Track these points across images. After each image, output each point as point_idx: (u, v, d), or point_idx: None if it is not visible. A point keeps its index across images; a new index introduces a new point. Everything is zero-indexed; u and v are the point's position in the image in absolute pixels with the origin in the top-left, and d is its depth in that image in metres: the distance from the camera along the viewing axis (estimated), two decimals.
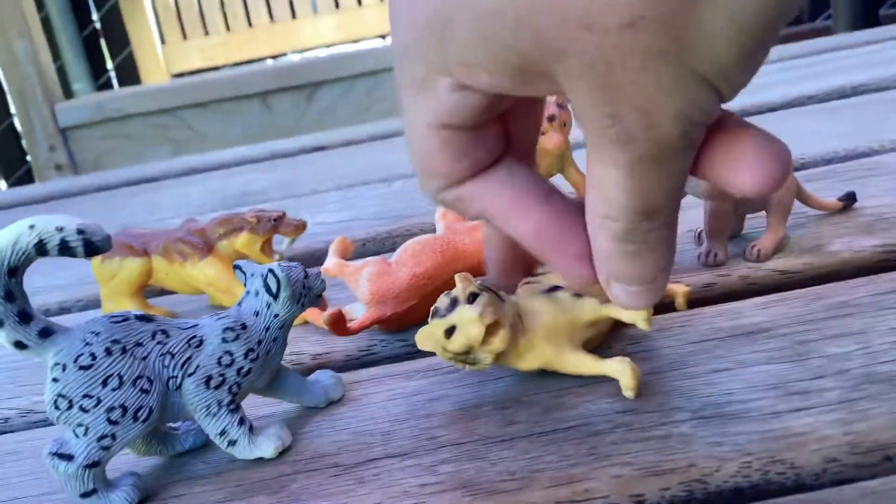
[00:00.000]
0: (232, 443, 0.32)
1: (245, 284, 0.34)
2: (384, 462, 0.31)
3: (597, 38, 0.20)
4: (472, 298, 0.31)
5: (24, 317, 0.30)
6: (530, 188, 0.27)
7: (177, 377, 0.31)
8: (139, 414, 0.30)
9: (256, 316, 0.33)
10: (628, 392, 0.32)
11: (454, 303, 0.32)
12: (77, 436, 0.30)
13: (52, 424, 0.38)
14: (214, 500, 0.31)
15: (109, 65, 2.17)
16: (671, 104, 0.21)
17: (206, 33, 2.05)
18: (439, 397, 0.35)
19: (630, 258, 0.26)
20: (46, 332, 0.30)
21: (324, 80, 1.52)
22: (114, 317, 0.31)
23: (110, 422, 0.30)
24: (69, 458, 0.30)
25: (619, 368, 0.32)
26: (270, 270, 0.33)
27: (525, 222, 0.26)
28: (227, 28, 2.05)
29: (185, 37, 2.04)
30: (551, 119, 0.49)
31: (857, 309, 0.36)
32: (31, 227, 0.29)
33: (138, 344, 0.31)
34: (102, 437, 0.30)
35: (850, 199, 0.48)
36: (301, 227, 0.49)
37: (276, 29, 2.07)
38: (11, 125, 1.88)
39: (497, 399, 0.34)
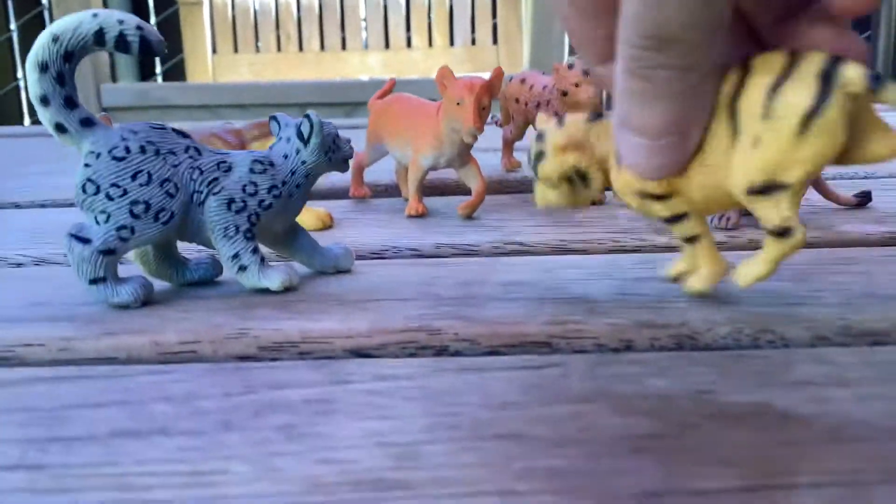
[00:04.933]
0: (242, 268, 0.33)
1: (278, 134, 0.36)
2: (388, 301, 0.32)
3: None
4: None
5: (70, 103, 0.31)
6: None
7: (202, 192, 0.32)
8: (161, 215, 0.31)
9: (285, 158, 0.34)
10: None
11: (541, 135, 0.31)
12: (98, 223, 0.31)
13: None
14: (217, 307, 0.31)
15: (158, 69, 2.24)
16: None
17: (258, 50, 2.11)
18: (443, 276, 0.36)
19: (635, 98, 0.25)
20: (88, 122, 0.31)
21: (363, 101, 1.56)
22: (153, 124, 0.32)
23: (132, 215, 0.31)
24: (87, 241, 0.31)
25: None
26: (306, 115, 0.34)
27: None
28: (279, 48, 2.11)
29: (236, 49, 2.10)
30: (586, 73, 0.50)
31: (860, 259, 0.37)
32: (95, 15, 0.31)
33: (172, 152, 0.32)
34: (122, 227, 0.31)
35: (865, 197, 0.49)
36: None
37: (325, 56, 2.13)
38: None
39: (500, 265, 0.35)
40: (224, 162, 0.33)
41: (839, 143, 0.25)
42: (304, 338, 0.28)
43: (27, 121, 2.07)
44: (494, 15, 2.13)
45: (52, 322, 0.30)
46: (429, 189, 0.57)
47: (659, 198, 0.28)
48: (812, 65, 0.25)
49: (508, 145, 0.62)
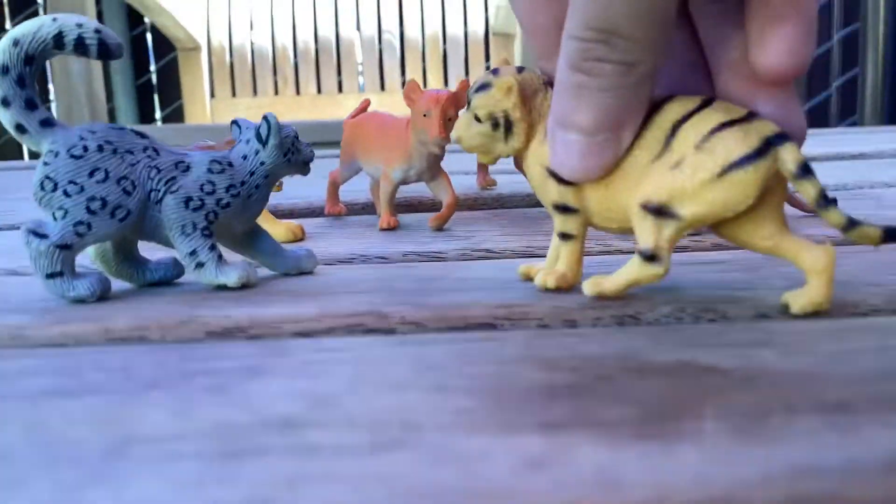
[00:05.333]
0: (200, 265, 0.33)
1: (239, 137, 0.36)
2: (343, 293, 0.32)
3: None
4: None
5: (31, 104, 0.32)
6: None
7: (159, 191, 0.33)
8: (117, 212, 0.32)
9: (244, 159, 0.35)
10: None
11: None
12: (55, 219, 0.32)
13: None
14: (171, 300, 0.32)
15: (158, 114, 2.27)
16: None
17: (255, 93, 2.14)
18: (403, 275, 0.36)
19: (574, 92, 0.25)
20: (47, 123, 0.32)
21: None
22: (112, 125, 0.33)
23: (89, 211, 0.32)
24: (44, 236, 0.31)
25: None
26: (264, 117, 0.35)
27: None
28: (276, 92, 2.15)
29: (234, 93, 2.13)
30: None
31: None
32: (54, 19, 0.32)
33: (129, 152, 0.33)
34: (79, 223, 0.32)
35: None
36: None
37: (322, 99, 2.16)
38: None
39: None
40: (182, 162, 0.34)
41: (744, 203, 0.26)
42: (252, 323, 0.28)
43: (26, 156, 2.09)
44: (487, 57, 2.17)
45: (6, 313, 0.30)
46: (403, 206, 0.58)
47: (561, 181, 0.29)
48: (765, 128, 0.26)
49: (483, 164, 0.63)
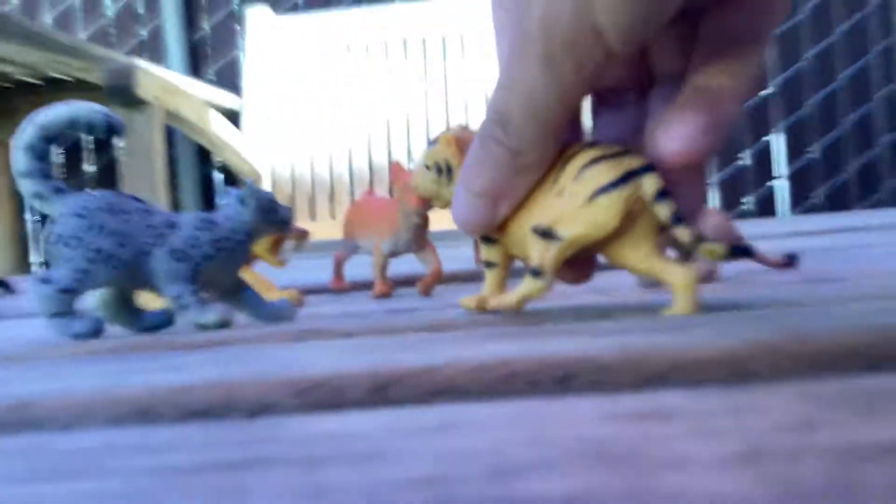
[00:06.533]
0: (183, 306, 0.38)
1: (225, 203, 0.42)
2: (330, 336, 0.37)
3: None
4: None
5: (47, 175, 0.38)
6: None
7: (150, 244, 0.39)
8: (111, 261, 0.38)
9: (228, 219, 0.41)
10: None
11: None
12: (60, 268, 0.37)
13: None
14: (144, 337, 0.37)
15: None
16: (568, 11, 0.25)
17: (314, 219, 2.27)
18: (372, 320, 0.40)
19: (475, 160, 0.30)
20: (59, 190, 0.38)
21: None
22: (113, 192, 0.39)
23: (88, 260, 0.37)
24: (49, 281, 0.37)
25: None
26: (244, 183, 0.41)
27: None
28: (332, 217, 2.27)
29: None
30: None
31: (749, 282, 0.40)
32: (68, 105, 0.38)
33: (125, 211, 0.39)
34: (79, 269, 0.37)
35: (792, 259, 0.51)
36: (304, 234, 0.57)
37: None
38: None
39: None
40: (173, 221, 0.39)
41: (611, 224, 0.30)
42: (220, 340, 0.33)
43: None
44: None
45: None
46: (403, 281, 0.62)
47: None
48: (631, 162, 0.30)
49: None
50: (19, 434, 0.19)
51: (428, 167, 0.37)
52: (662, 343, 0.22)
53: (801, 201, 2.04)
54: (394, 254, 0.54)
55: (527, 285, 0.32)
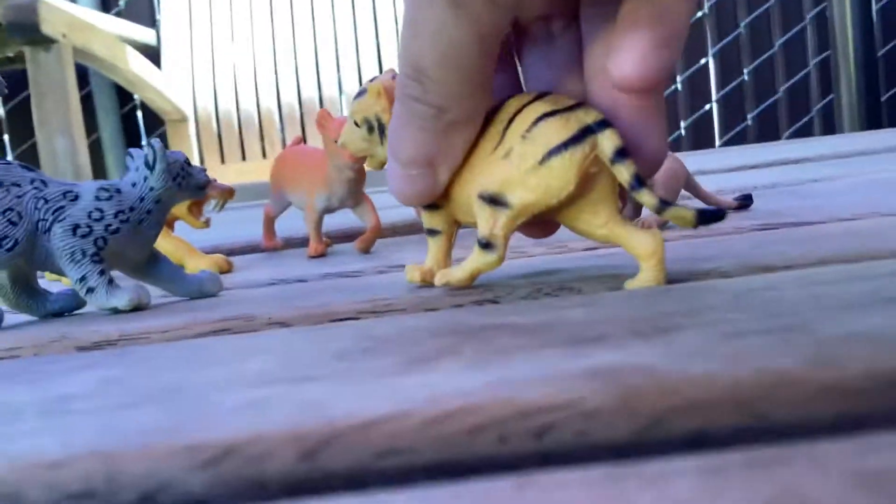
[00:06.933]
0: (90, 290, 0.34)
1: (129, 166, 0.37)
2: (227, 304, 0.33)
3: None
4: None
5: None
6: None
7: (47, 220, 0.34)
8: (4, 242, 0.33)
9: (133, 186, 0.36)
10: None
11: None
12: None
13: None
14: (54, 323, 0.32)
15: None
16: None
17: (244, 158, 2.18)
18: (305, 290, 0.37)
19: (399, 125, 0.26)
20: None
21: None
22: (2, 161, 0.34)
23: None
24: None
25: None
26: (149, 144, 0.36)
27: None
28: (264, 155, 2.18)
29: (223, 160, 2.17)
30: None
31: (706, 239, 0.37)
32: None
33: (16, 184, 0.34)
34: None
35: (746, 200, 0.49)
36: (228, 193, 0.52)
37: None
38: None
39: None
40: (70, 191, 0.35)
41: (566, 188, 0.26)
42: (121, 335, 0.29)
43: None
44: None
45: None
46: (340, 237, 0.59)
47: None
48: (586, 116, 0.26)
49: None
50: None
51: (357, 124, 0.33)
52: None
53: (733, 126, 2.04)
54: (328, 210, 0.50)
55: (476, 258, 0.28)
